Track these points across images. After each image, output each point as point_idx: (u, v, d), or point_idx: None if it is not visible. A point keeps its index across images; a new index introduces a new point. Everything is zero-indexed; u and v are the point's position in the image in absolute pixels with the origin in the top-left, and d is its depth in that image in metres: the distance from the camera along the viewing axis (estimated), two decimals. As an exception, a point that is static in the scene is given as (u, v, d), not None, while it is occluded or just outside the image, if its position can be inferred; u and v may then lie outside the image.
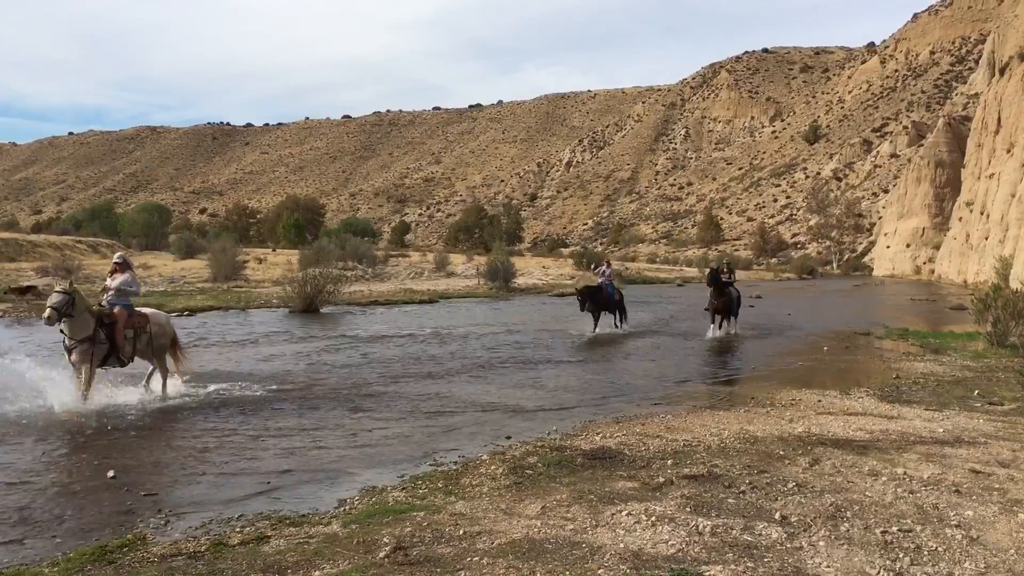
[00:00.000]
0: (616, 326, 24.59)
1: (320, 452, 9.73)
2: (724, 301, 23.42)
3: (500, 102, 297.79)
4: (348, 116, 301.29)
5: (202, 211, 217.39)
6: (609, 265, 27.24)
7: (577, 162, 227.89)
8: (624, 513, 6.88)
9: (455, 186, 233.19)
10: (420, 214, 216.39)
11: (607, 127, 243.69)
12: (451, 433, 10.84)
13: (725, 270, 24.89)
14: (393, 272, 57.30)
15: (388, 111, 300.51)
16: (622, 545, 6.12)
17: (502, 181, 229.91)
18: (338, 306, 32.28)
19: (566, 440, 10.01)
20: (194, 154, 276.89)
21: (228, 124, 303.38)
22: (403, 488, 8.06)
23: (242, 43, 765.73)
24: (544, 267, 68.52)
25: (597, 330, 23.65)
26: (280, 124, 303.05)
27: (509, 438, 10.38)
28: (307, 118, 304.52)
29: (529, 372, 16.68)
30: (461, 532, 6.49)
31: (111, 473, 8.57)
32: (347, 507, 7.53)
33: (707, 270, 25.59)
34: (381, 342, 21.04)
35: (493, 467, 8.65)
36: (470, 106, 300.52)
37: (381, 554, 5.96)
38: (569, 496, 7.48)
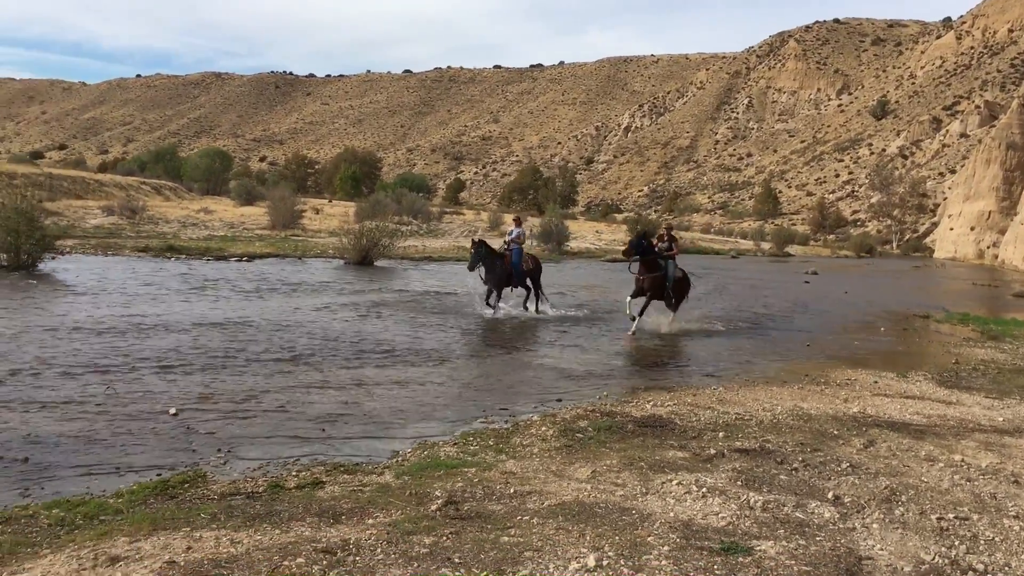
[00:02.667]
0: (526, 307, 19.69)
1: (375, 404, 9.87)
2: (656, 278, 17.49)
3: (561, 63, 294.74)
4: (409, 71, 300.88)
5: (262, 159, 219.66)
6: (519, 225, 20.49)
7: (636, 127, 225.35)
8: (674, 483, 6.88)
9: (512, 146, 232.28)
10: (475, 172, 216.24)
11: (668, 93, 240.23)
12: (502, 392, 10.92)
13: (666, 236, 18.51)
14: (447, 229, 57.53)
15: (449, 67, 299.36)
16: (672, 514, 6.13)
17: (559, 143, 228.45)
18: (392, 260, 32.53)
19: (617, 406, 10.02)
20: (257, 102, 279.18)
21: (291, 74, 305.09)
22: (454, 444, 8.16)
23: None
24: (597, 231, 68.24)
25: (499, 309, 18.97)
26: (342, 76, 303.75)
27: (560, 400, 10.44)
28: (369, 71, 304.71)
29: (580, 335, 16.67)
30: (512, 491, 6.55)
31: (173, 410, 8.81)
32: (400, 459, 7.65)
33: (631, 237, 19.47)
34: (434, 298, 21.19)
35: (544, 428, 8.70)
36: (531, 66, 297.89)
37: (433, 507, 6.05)
38: (619, 462, 7.50)
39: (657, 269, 17.53)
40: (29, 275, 21.02)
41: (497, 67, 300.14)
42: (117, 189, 57.89)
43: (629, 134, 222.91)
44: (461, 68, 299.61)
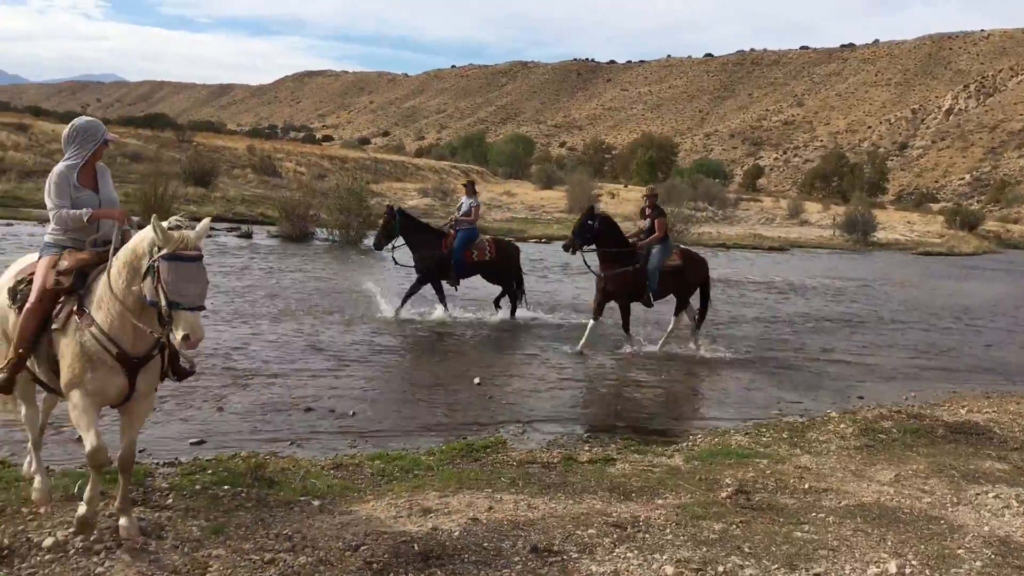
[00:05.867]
0: (500, 305, 14.04)
1: (667, 387, 9.98)
2: (623, 276, 11.70)
3: (876, 42, 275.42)
4: (710, 54, 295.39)
5: (562, 144, 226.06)
6: (474, 195, 14.18)
7: (960, 110, 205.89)
8: (991, 495, 6.34)
9: (816, 131, 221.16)
10: (775, 158, 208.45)
11: (1000, 72, 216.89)
12: (798, 386, 10.59)
13: (648, 208, 12.28)
14: (743, 216, 56.09)
15: (752, 50, 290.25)
16: (987, 528, 5.66)
17: (869, 127, 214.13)
18: (685, 246, 32.25)
19: (925, 408, 9.37)
20: (559, 89, 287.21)
21: (592, 60, 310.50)
22: (746, 433, 8.05)
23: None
24: (909, 222, 63.28)
25: (437, 309, 13.42)
26: (642, 61, 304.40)
27: (861, 398, 9.98)
28: (669, 56, 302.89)
29: (885, 331, 15.71)
30: (806, 486, 6.36)
31: (477, 380, 9.44)
32: (690, 443, 7.68)
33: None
34: (733, 287, 20.79)
35: (842, 426, 8.32)
36: (841, 46, 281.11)
37: (723, 494, 6.02)
38: (927, 467, 7.02)
39: (626, 261, 11.72)
40: (357, 250, 23.22)
41: (804, 48, 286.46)
42: (431, 173, 62.29)
43: (951, 117, 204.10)
44: (765, 50, 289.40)
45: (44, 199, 4.83)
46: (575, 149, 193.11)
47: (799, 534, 5.35)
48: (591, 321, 11.73)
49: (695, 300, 12.49)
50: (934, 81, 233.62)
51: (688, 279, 12.24)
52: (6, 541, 4.45)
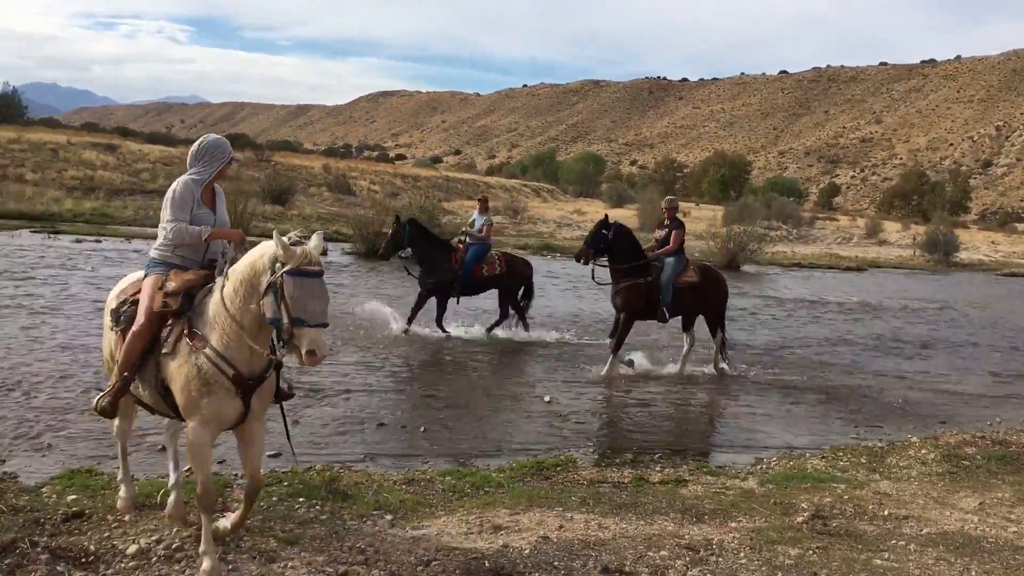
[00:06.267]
0: (509, 323, 13.47)
1: (739, 410, 9.84)
2: (635, 288, 11.05)
3: (958, 57, 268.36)
4: (785, 72, 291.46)
5: (633, 163, 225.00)
6: (486, 211, 13.75)
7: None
8: (1081, 526, 6.09)
9: (895, 148, 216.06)
10: (852, 176, 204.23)
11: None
12: (876, 409, 10.32)
13: (667, 219, 11.72)
14: (818, 235, 55.10)
15: (828, 67, 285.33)
16: (1078, 561, 5.44)
17: (951, 145, 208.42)
18: (759, 265, 31.79)
19: (1011, 434, 9.06)
20: (630, 107, 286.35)
21: (664, 79, 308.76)
22: (822, 457, 7.88)
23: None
24: (993, 242, 61.35)
25: (416, 326, 12.83)
26: (715, 79, 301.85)
27: (943, 423, 9.68)
28: (742, 73, 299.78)
29: (968, 355, 15.22)
30: (886, 513, 6.19)
31: (547, 398, 9.45)
32: (764, 466, 7.55)
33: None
34: (806, 307, 20.41)
35: (924, 451, 8.09)
36: (922, 62, 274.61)
37: (799, 519, 5.90)
38: (1013, 495, 6.79)
39: (637, 274, 11.13)
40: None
41: (883, 64, 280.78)
42: (502, 191, 62.61)
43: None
44: (842, 67, 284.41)
45: (162, 211, 4.76)
46: (646, 167, 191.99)
47: (879, 562, 5.22)
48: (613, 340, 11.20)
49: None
50: (1019, 97, 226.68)
51: (707, 297, 11.48)
52: (92, 547, 4.60)
